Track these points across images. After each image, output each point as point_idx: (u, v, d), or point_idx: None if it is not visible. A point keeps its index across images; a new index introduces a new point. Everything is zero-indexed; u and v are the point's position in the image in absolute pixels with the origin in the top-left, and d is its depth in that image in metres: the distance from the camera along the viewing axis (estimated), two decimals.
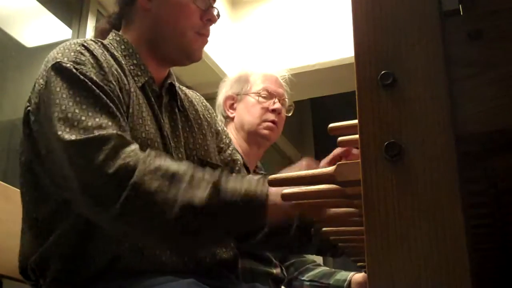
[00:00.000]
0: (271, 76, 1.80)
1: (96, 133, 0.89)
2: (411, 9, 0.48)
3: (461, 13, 0.48)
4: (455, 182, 0.43)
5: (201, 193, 0.85)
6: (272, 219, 0.88)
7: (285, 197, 0.71)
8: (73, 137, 0.89)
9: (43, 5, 2.46)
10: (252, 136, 1.72)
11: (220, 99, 1.84)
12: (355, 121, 0.50)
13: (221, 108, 1.82)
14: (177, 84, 1.21)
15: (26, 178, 1.04)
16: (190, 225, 0.86)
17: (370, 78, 0.47)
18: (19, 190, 1.27)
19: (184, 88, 1.29)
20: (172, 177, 0.86)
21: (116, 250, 0.94)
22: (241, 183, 0.88)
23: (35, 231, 1.01)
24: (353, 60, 0.49)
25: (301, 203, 0.70)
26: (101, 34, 1.19)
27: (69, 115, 0.91)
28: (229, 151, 1.29)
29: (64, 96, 0.94)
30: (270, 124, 1.71)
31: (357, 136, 0.47)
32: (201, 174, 0.88)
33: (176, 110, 1.16)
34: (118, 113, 0.95)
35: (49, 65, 0.98)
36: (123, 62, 1.08)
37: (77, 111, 0.92)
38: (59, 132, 0.90)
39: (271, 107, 1.72)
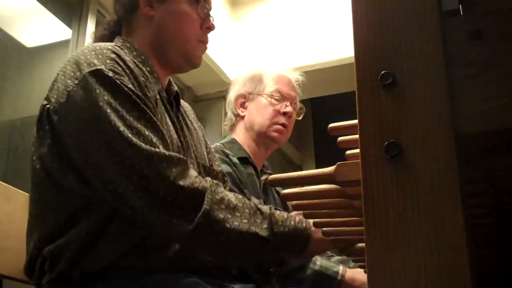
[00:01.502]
0: (284, 78, 1.79)
1: (164, 151, 0.93)
2: (411, 9, 0.48)
3: (461, 13, 0.48)
4: (455, 182, 0.43)
5: (261, 225, 0.96)
6: (312, 251, 1.01)
7: (285, 197, 0.71)
8: (146, 147, 0.92)
9: (43, 5, 2.46)
10: (261, 137, 1.71)
11: (231, 96, 1.82)
12: (355, 121, 0.50)
13: (232, 105, 1.80)
14: None
15: (39, 175, 1.02)
16: (253, 251, 0.96)
17: (370, 78, 0.47)
18: (19, 190, 1.27)
19: None
20: (235, 209, 0.95)
21: (123, 247, 0.95)
22: (289, 219, 0.99)
23: (51, 224, 1.00)
24: (353, 60, 0.49)
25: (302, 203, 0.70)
26: (100, 40, 1.19)
27: (128, 122, 0.93)
28: (216, 163, 1.32)
29: (113, 106, 0.94)
30: (280, 127, 1.70)
31: (357, 136, 0.47)
32: (255, 206, 0.98)
33: (181, 118, 1.19)
34: (161, 127, 0.98)
35: (86, 70, 0.97)
36: (143, 70, 1.09)
37: (134, 123, 0.94)
38: (132, 139, 0.91)
39: (283, 110, 1.71)
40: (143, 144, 0.92)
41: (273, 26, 3.37)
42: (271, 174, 1.74)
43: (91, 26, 2.58)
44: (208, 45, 1.22)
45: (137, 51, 1.12)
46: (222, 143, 1.69)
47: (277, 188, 1.75)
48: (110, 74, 0.97)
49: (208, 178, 0.98)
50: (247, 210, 0.95)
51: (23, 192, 1.26)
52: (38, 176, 1.02)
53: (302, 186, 0.68)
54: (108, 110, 0.93)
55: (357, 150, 0.48)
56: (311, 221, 0.97)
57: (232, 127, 1.80)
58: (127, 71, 1.00)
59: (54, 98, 0.99)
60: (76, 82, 0.97)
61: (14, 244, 1.13)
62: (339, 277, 1.57)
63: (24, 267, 1.03)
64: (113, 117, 0.93)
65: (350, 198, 0.63)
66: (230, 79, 3.18)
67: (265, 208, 0.99)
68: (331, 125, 0.64)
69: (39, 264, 0.99)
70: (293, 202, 0.71)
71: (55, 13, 2.53)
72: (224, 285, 1.02)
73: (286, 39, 3.29)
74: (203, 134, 1.31)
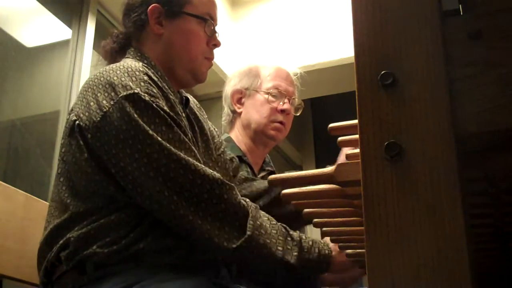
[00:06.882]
0: (282, 72, 1.73)
1: (206, 171, 0.99)
2: (411, 9, 0.48)
3: (461, 13, 0.48)
4: (455, 182, 0.43)
5: (291, 252, 1.04)
6: (333, 271, 1.12)
7: (285, 197, 0.71)
8: (190, 162, 0.98)
9: (43, 5, 2.46)
10: (258, 135, 1.67)
11: (228, 91, 1.76)
12: (355, 121, 0.50)
13: (229, 101, 1.75)
14: None
15: (71, 180, 1.05)
16: (281, 272, 1.09)
17: (370, 78, 0.47)
18: (19, 190, 1.27)
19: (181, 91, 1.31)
20: (271, 236, 1.02)
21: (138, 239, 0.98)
22: (314, 246, 1.09)
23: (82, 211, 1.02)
24: (353, 60, 0.49)
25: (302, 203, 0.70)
26: (110, 54, 1.22)
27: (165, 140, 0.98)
28: (227, 152, 1.34)
29: (150, 127, 0.98)
30: (278, 125, 1.65)
31: (357, 136, 0.47)
32: (286, 232, 1.06)
33: (194, 122, 1.22)
34: (193, 148, 1.04)
35: (122, 92, 1.00)
36: (164, 86, 1.11)
37: (169, 143, 0.99)
38: (174, 154, 0.97)
39: (280, 108, 1.65)
40: (189, 159, 0.98)
41: (273, 26, 3.37)
42: (271, 170, 1.72)
43: (91, 26, 2.58)
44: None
45: (154, 68, 1.15)
46: None
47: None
48: (147, 98, 1.01)
49: (247, 200, 1.04)
50: (281, 238, 1.03)
51: (23, 192, 1.26)
52: (69, 178, 1.05)
53: (302, 186, 0.68)
54: (146, 129, 0.98)
55: (357, 150, 0.48)
56: (335, 245, 1.07)
57: (230, 123, 1.76)
58: (160, 93, 1.05)
59: (84, 116, 1.02)
60: (112, 103, 0.99)
61: (14, 244, 1.14)
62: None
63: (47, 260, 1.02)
64: (151, 134, 0.98)
65: (350, 198, 0.63)
66: None
67: (295, 235, 1.07)
68: (331, 125, 0.64)
69: (56, 253, 0.99)
70: (293, 202, 0.71)
71: (55, 13, 2.53)
72: (230, 286, 1.03)
73: (286, 39, 3.29)
74: (209, 124, 1.32)
